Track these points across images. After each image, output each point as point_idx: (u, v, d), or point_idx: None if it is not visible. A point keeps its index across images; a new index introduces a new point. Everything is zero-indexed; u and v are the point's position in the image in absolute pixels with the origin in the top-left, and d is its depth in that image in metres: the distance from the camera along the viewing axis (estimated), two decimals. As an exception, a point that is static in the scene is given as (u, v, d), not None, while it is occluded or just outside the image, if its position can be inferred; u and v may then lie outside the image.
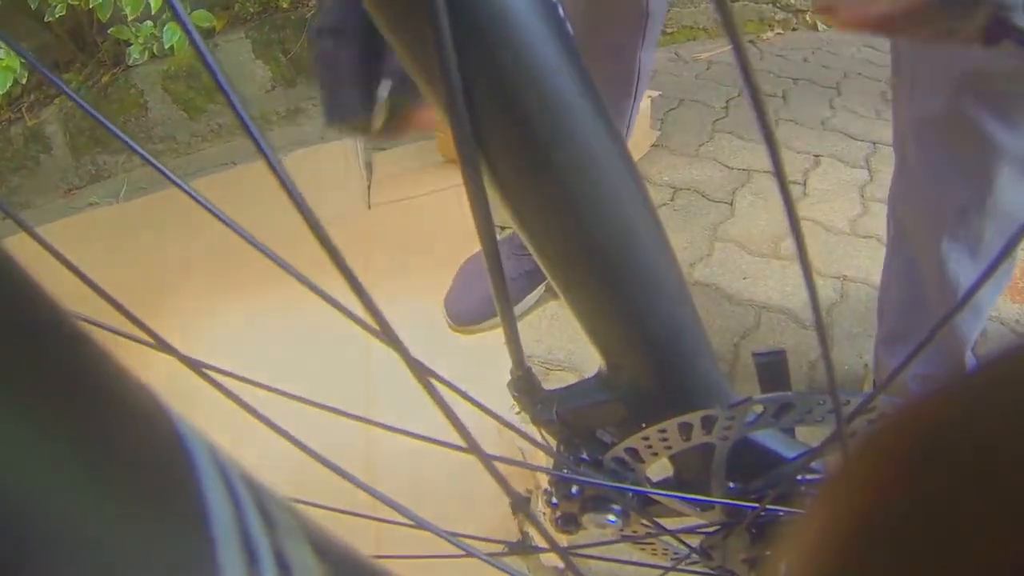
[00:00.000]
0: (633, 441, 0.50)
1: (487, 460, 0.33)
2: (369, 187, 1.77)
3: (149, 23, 1.91)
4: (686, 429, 0.47)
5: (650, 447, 0.50)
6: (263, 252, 0.36)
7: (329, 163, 1.86)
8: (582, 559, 0.70)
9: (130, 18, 1.74)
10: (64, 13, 1.76)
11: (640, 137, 1.87)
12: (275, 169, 0.25)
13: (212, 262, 1.57)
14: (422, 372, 0.29)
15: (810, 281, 0.29)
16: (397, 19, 0.34)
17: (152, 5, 1.72)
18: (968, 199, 0.81)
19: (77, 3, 1.73)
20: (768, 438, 0.50)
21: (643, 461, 0.51)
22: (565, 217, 0.39)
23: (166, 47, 1.90)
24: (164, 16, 1.86)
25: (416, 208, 1.70)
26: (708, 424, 0.47)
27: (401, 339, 0.28)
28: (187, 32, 0.23)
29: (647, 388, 0.48)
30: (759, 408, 0.47)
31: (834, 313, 1.39)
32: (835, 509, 0.18)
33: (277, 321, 1.43)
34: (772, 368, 0.49)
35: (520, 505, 0.38)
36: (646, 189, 0.41)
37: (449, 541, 0.42)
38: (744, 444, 0.49)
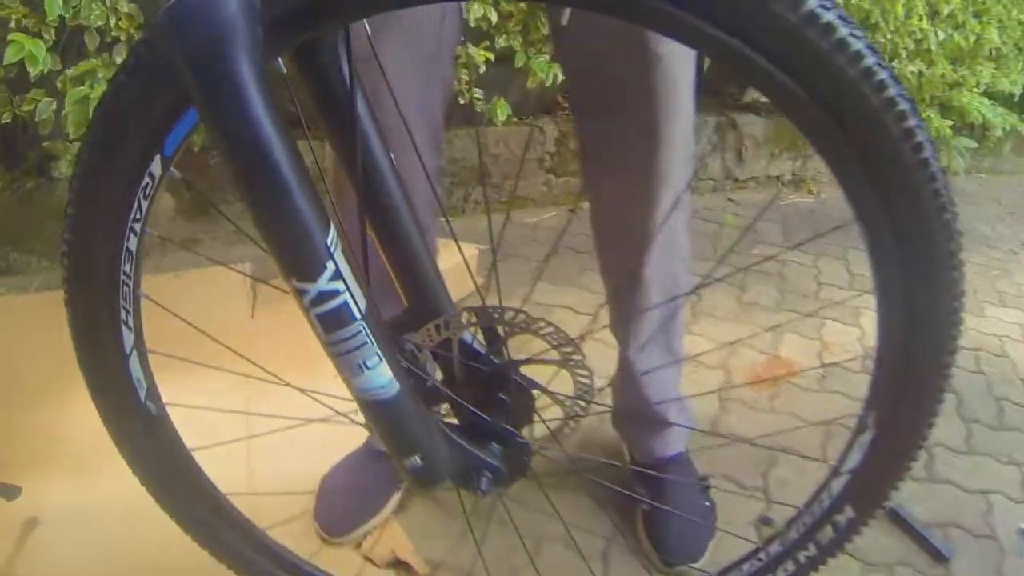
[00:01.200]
0: (419, 339, 0.94)
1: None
2: (254, 304, 2.23)
3: (79, 143, 2.31)
4: (437, 328, 0.93)
5: (431, 340, 0.94)
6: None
7: (220, 282, 2.28)
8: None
9: (71, 138, 2.16)
10: (8, 121, 2.15)
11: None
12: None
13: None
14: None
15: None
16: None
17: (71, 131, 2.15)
18: None
19: (24, 116, 2.14)
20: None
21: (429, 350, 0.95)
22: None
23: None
24: (87, 142, 2.26)
25: (291, 319, 2.15)
26: (446, 324, 0.93)
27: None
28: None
29: (421, 310, 0.94)
30: (466, 315, 0.93)
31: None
32: None
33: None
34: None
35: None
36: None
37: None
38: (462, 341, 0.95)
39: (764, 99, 3.61)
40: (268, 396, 1.73)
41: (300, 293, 0.68)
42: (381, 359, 0.75)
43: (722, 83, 3.89)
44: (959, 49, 4.46)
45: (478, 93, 2.90)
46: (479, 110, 2.96)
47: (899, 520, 1.74)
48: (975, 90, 4.71)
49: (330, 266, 0.67)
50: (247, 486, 1.55)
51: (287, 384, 1.11)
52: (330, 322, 0.71)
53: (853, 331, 2.62)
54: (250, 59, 0.61)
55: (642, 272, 1.41)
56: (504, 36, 2.89)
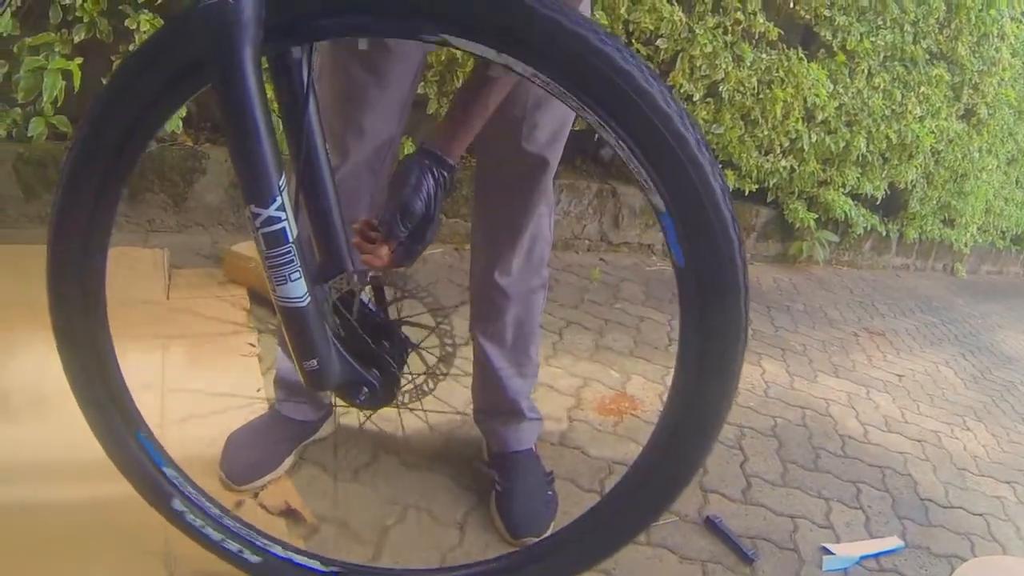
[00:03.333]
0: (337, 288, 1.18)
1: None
2: (168, 285, 2.49)
3: (18, 109, 2.48)
4: (340, 283, 1.17)
5: (340, 289, 1.17)
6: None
7: (139, 264, 2.52)
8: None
9: (20, 100, 2.38)
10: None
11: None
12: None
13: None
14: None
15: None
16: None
17: (20, 96, 2.39)
18: None
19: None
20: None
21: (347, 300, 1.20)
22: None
23: (28, 135, 2.47)
24: (29, 110, 2.47)
25: (203, 303, 2.43)
26: (348, 279, 1.17)
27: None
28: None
29: (330, 265, 1.17)
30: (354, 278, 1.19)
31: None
32: None
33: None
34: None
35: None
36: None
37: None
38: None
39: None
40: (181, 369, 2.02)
41: (254, 216, 0.97)
42: (301, 275, 1.03)
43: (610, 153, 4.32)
44: (829, 152, 4.99)
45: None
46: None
47: (714, 527, 2.08)
48: (841, 190, 5.25)
49: (278, 200, 0.97)
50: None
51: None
52: (271, 240, 0.99)
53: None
54: (253, 50, 0.91)
55: (504, 283, 1.79)
56: (423, 83, 3.26)
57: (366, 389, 1.19)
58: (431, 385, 1.26)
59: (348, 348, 1.17)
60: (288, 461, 1.84)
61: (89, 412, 1.27)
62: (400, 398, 1.26)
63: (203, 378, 2.06)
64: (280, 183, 0.97)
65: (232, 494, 1.73)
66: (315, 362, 1.10)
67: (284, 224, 0.98)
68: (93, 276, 1.18)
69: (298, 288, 1.03)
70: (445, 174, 1.30)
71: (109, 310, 1.22)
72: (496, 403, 1.95)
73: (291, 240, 1.00)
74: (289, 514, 1.72)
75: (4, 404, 1.80)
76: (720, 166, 0.99)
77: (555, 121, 1.63)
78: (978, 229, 7.22)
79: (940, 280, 7.05)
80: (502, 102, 1.39)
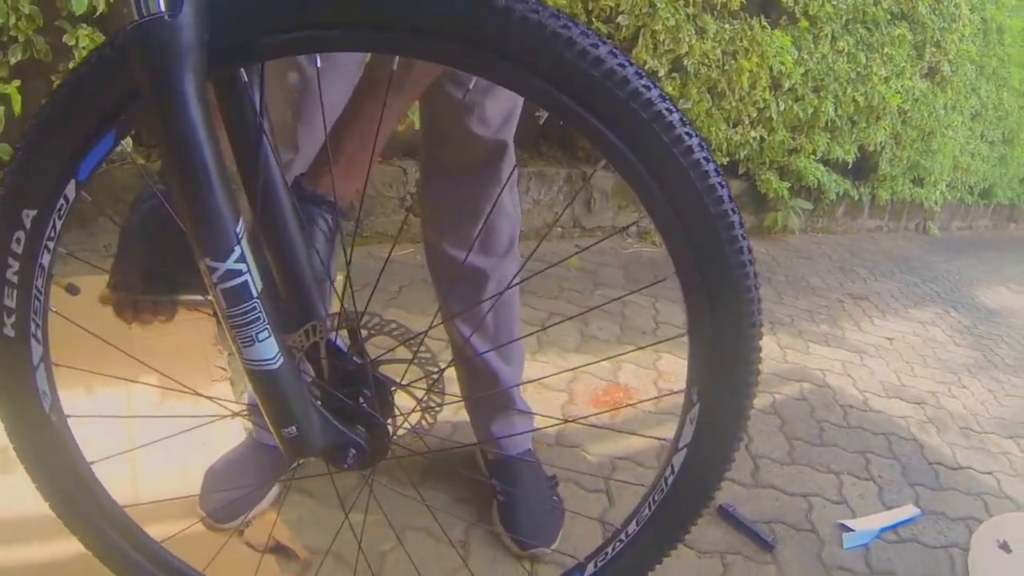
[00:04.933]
0: (292, 341, 1.00)
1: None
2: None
3: None
4: (312, 330, 1.01)
5: (305, 341, 1.02)
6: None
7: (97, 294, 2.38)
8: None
9: None
10: None
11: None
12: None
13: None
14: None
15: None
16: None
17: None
18: None
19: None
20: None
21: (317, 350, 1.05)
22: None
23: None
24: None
25: (169, 330, 2.23)
26: (316, 329, 1.01)
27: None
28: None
29: (297, 313, 1.02)
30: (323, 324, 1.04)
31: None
32: None
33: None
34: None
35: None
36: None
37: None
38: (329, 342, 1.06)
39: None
40: (151, 403, 1.87)
41: (211, 271, 0.82)
42: (270, 334, 0.88)
43: (575, 137, 4.14)
44: (798, 119, 4.91)
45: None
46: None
47: (728, 516, 1.97)
48: (811, 157, 5.16)
49: (237, 250, 0.81)
50: (132, 491, 1.64)
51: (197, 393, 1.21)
52: (232, 297, 0.83)
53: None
54: (196, 76, 0.76)
55: (470, 260, 1.63)
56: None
57: (353, 451, 1.04)
58: (430, 420, 1.11)
59: (327, 405, 1.03)
60: (272, 493, 1.71)
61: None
62: (399, 442, 1.11)
63: (174, 410, 1.91)
64: (238, 229, 0.81)
65: (217, 535, 1.59)
66: (294, 429, 0.95)
67: (246, 277, 0.83)
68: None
69: (268, 349, 0.88)
70: (331, 220, 1.14)
71: (68, 348, 1.09)
72: (487, 396, 1.82)
73: (255, 295, 0.84)
74: (279, 551, 1.59)
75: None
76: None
77: (507, 101, 1.50)
78: (947, 186, 7.18)
79: (914, 239, 7.00)
80: (444, 86, 1.33)
